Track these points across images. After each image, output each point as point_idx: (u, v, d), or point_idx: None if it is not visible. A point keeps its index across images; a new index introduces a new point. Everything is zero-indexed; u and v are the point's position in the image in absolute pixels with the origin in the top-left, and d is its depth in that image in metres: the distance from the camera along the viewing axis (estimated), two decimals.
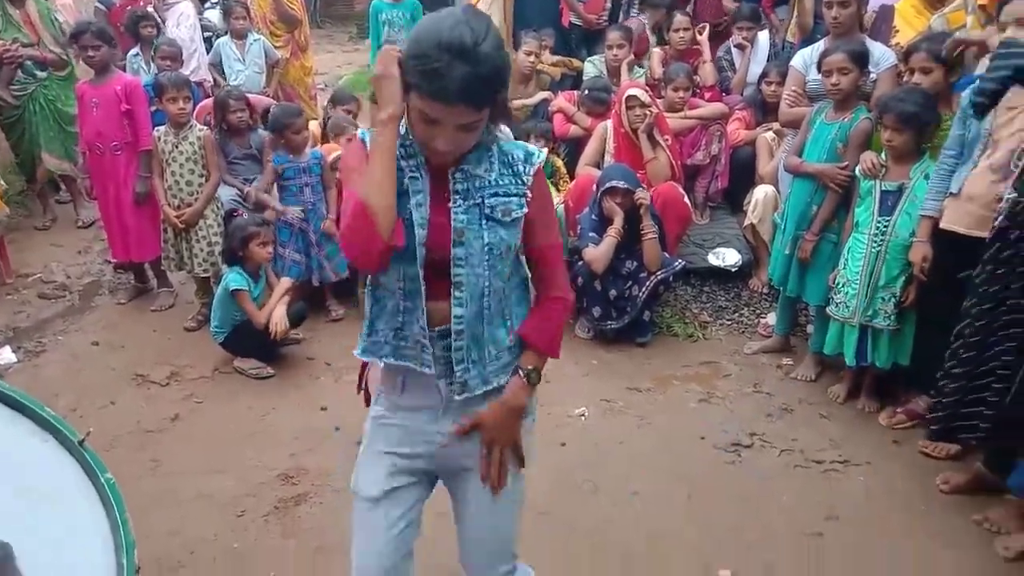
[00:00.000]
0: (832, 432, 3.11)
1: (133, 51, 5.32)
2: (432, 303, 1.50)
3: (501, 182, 1.50)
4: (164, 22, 5.62)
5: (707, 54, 4.99)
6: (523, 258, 1.63)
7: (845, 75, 3.14)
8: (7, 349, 3.75)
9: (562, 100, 4.83)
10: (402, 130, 1.46)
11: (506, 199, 1.50)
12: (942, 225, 2.79)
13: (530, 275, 1.64)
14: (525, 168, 1.53)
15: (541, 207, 1.55)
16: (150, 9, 5.69)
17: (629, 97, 4.03)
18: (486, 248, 1.48)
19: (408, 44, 1.37)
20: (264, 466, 2.91)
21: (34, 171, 5.23)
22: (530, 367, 1.60)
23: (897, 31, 3.64)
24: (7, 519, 1.41)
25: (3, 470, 1.51)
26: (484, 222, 1.48)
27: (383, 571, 1.62)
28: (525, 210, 1.52)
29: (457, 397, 1.56)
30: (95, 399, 3.35)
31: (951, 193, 2.75)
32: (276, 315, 3.50)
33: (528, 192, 1.52)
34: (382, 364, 1.60)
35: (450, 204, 1.47)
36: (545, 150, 1.65)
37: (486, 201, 1.48)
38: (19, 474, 1.52)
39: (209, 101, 4.74)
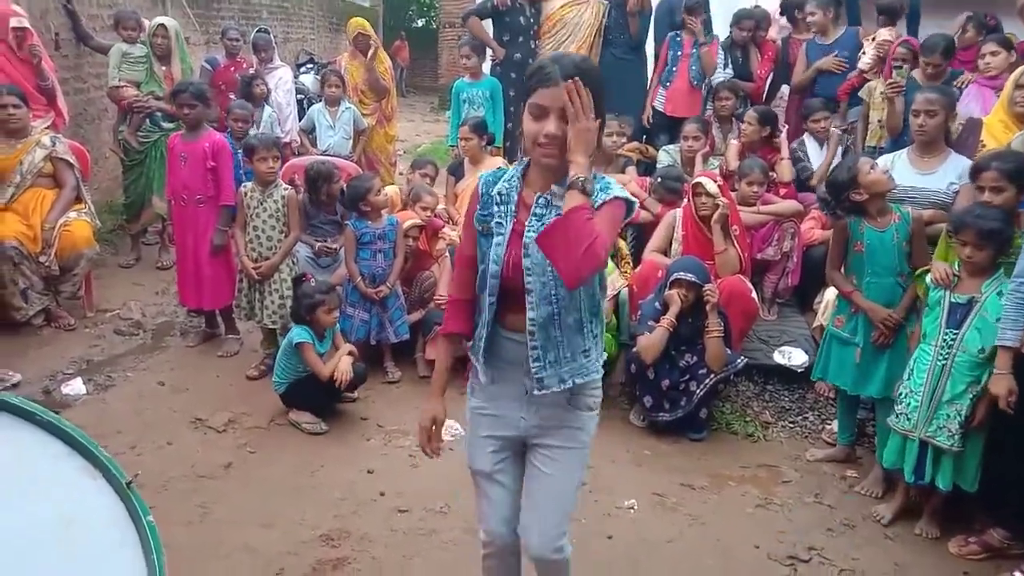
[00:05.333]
0: (898, 555, 2.93)
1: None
2: (514, 315, 1.84)
3: None
4: (266, 85, 5.98)
5: (785, 151, 5.00)
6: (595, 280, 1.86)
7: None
8: (79, 381, 3.89)
9: (634, 185, 4.88)
10: (506, 187, 1.83)
11: None
12: None
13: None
14: (598, 196, 1.71)
15: (600, 218, 1.68)
16: (252, 71, 6.08)
17: (696, 184, 4.06)
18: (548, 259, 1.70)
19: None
20: (308, 524, 2.91)
21: (140, 212, 5.62)
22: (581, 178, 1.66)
23: (984, 145, 3.58)
24: (53, 550, 1.45)
25: (54, 504, 1.55)
26: None
27: (506, 524, 2.01)
28: None
29: (536, 393, 1.86)
30: (154, 438, 3.43)
31: None
32: (342, 364, 3.57)
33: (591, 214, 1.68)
34: (481, 361, 1.93)
35: (526, 223, 1.77)
36: (628, 192, 1.84)
37: (548, 220, 1.72)
38: (68, 508, 1.57)
39: (296, 162, 4.98)
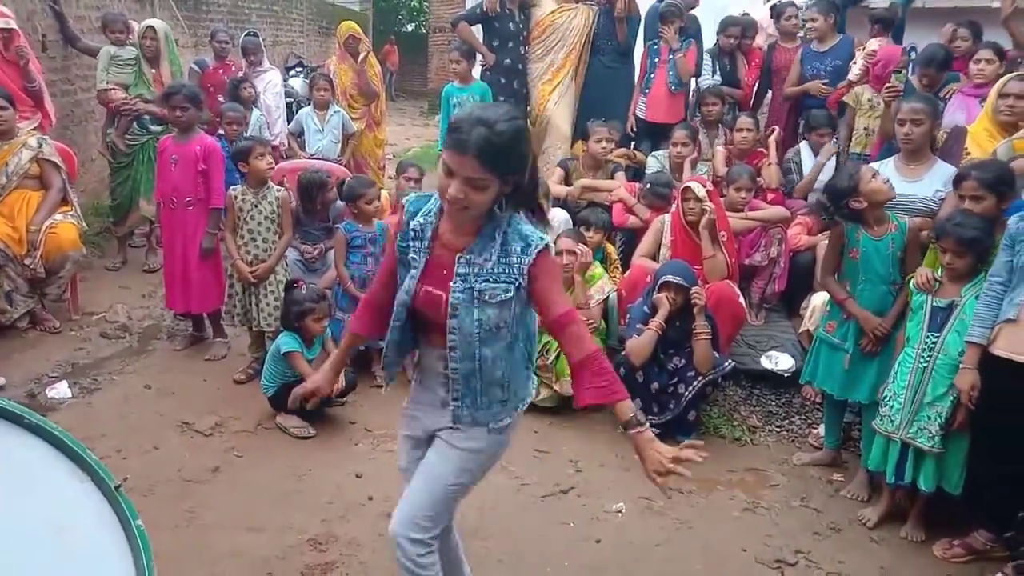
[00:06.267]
0: (883, 558, 2.95)
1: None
2: (431, 333, 1.94)
3: (495, 271, 1.81)
4: (254, 88, 5.96)
5: (773, 156, 5.04)
6: (527, 332, 1.96)
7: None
8: (64, 384, 3.86)
9: (623, 191, 4.90)
10: (422, 222, 1.87)
11: (494, 285, 1.80)
12: (998, 353, 2.72)
13: (559, 342, 1.88)
14: (521, 259, 1.80)
15: (545, 285, 1.83)
16: (240, 74, 6.07)
17: (685, 188, 4.09)
18: (476, 322, 1.82)
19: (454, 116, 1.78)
20: (296, 528, 2.90)
21: (126, 214, 5.58)
22: (629, 417, 1.80)
23: (968, 153, 3.62)
24: (42, 555, 1.44)
25: (41, 508, 1.54)
26: (475, 302, 1.81)
27: None
28: (511, 295, 1.81)
29: (450, 426, 1.96)
30: (140, 442, 3.41)
31: (1008, 319, 2.69)
32: None
33: (520, 280, 1.80)
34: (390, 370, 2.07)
35: (451, 283, 1.81)
36: (549, 236, 1.86)
37: (476, 286, 1.80)
38: (56, 512, 1.56)
39: (285, 165, 4.97)
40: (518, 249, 1.81)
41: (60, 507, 1.57)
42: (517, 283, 1.81)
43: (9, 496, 1.51)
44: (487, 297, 1.80)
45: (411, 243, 1.88)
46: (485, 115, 1.68)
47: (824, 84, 5.39)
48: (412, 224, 1.88)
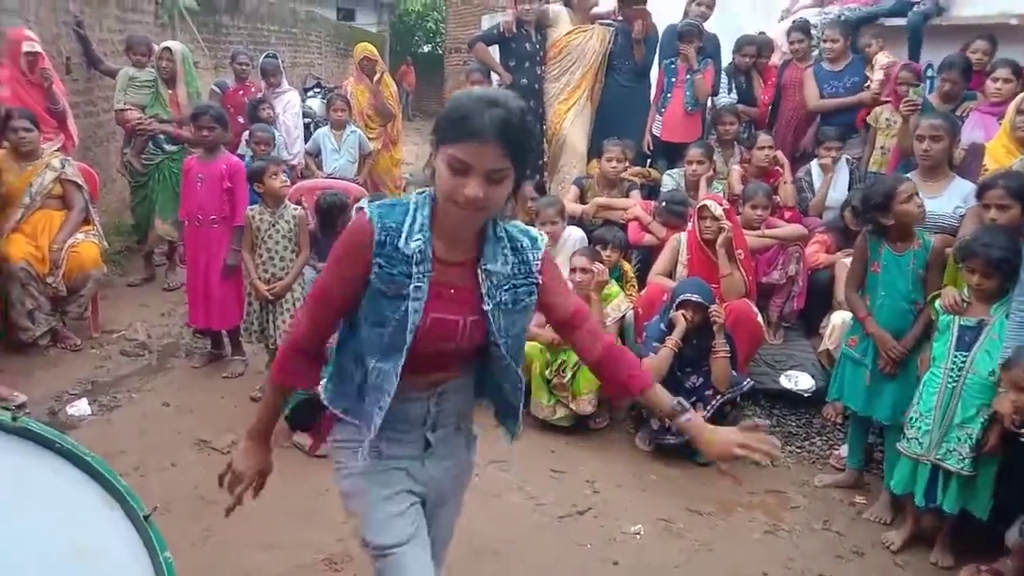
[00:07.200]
0: None
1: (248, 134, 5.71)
2: (417, 376, 1.60)
3: (514, 273, 1.60)
4: (273, 108, 6.04)
5: (788, 175, 5.01)
6: None
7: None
8: (84, 402, 3.89)
9: (638, 209, 4.90)
10: (419, 241, 1.53)
11: (516, 291, 1.60)
12: None
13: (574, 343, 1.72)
14: (534, 255, 1.62)
15: (556, 287, 1.66)
16: (260, 95, 6.15)
17: (701, 207, 4.08)
18: (514, 338, 1.62)
19: (445, 107, 1.52)
20: (311, 547, 2.88)
21: (147, 233, 5.69)
22: (676, 401, 1.68)
23: (986, 170, 3.60)
24: None
25: (68, 533, 1.53)
26: (505, 317, 1.60)
27: None
28: (534, 297, 1.62)
29: (510, 444, 1.77)
30: (158, 460, 3.42)
31: None
32: None
33: (539, 277, 1.62)
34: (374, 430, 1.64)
35: (485, 306, 1.57)
36: (546, 236, 1.71)
37: (503, 297, 1.58)
38: (84, 538, 1.55)
39: (304, 184, 5.02)
40: (527, 243, 1.62)
41: (87, 533, 1.55)
42: (538, 281, 1.61)
43: (39, 521, 1.50)
44: (520, 307, 1.60)
45: (414, 268, 1.51)
46: (490, 96, 1.45)
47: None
48: (406, 247, 1.52)
